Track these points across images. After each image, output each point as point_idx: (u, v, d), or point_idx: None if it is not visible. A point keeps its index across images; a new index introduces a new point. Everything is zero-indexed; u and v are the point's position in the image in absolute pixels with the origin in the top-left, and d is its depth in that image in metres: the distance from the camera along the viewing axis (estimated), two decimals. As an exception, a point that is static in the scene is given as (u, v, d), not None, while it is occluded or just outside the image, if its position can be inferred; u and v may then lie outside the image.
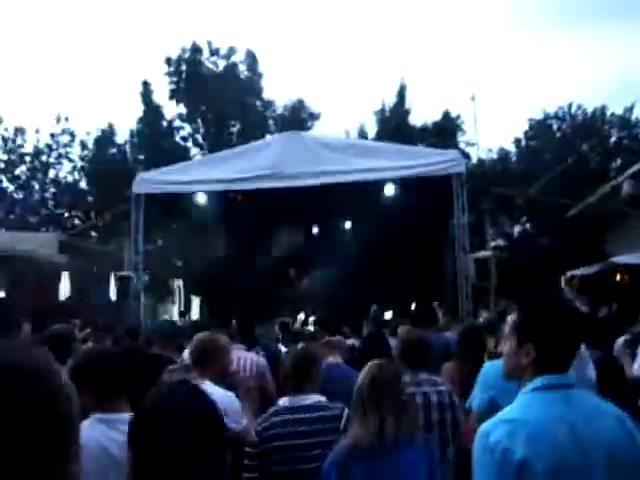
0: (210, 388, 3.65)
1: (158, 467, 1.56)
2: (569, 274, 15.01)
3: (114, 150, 26.41)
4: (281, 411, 3.27)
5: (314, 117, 26.23)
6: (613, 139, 25.45)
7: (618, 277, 13.07)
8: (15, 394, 0.82)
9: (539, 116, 26.19)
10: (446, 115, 24.24)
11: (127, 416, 2.08)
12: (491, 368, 3.41)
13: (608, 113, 25.71)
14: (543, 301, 2.11)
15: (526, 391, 1.99)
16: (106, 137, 26.43)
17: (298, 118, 25.35)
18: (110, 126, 26.36)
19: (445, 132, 23.19)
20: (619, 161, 23.98)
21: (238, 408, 3.66)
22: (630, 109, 24.76)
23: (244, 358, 5.25)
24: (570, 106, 26.03)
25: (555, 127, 26.28)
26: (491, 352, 5.04)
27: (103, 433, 2.54)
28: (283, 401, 3.34)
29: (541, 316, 2.03)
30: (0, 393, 0.82)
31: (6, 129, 26.75)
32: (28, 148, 27.06)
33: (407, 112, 24.30)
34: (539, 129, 26.16)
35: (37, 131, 26.85)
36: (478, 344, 5.14)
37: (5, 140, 26.78)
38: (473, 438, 3.06)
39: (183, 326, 9.77)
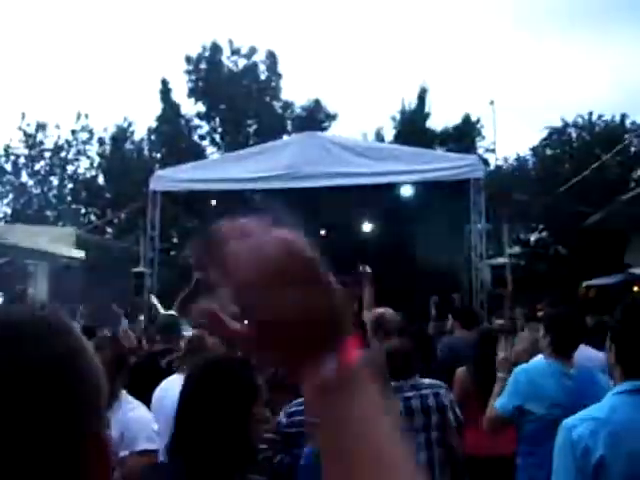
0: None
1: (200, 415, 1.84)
2: (585, 284, 14.85)
3: (131, 147, 26.56)
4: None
5: (331, 118, 26.16)
6: (633, 149, 25.15)
7: (637, 289, 12.89)
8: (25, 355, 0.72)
9: (558, 124, 25.96)
10: (466, 119, 24.06)
11: None
12: (522, 373, 3.34)
13: (628, 122, 25.41)
14: (633, 304, 2.10)
15: (614, 392, 1.98)
16: (123, 133, 26.59)
17: (315, 118, 25.29)
18: (127, 121, 26.56)
19: (464, 137, 23.02)
20: (639, 171, 23.73)
21: None
22: (651, 118, 24.42)
23: None
24: (591, 115, 25.76)
25: (574, 135, 26.02)
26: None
27: None
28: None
29: (625, 319, 2.01)
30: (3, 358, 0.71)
31: (28, 125, 27.06)
32: (48, 144, 27.37)
33: (427, 115, 24.16)
34: (558, 137, 25.92)
35: (58, 127, 27.14)
36: (493, 349, 5.06)
37: (27, 135, 27.07)
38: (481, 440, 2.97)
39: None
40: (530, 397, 3.17)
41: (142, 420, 3.05)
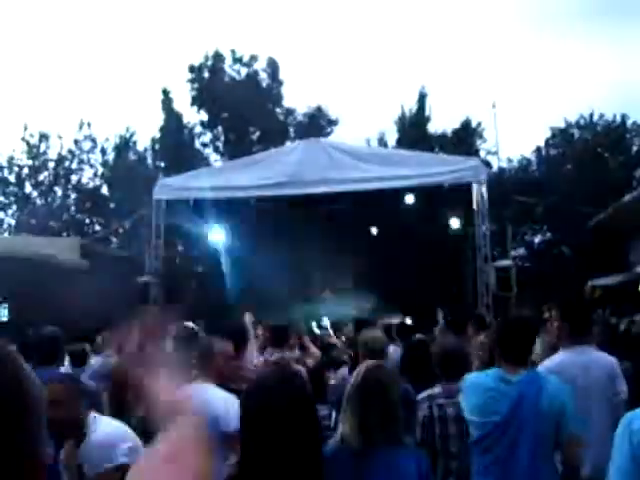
0: (210, 391, 3.70)
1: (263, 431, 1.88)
2: (590, 284, 14.84)
3: (134, 156, 26.65)
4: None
5: (333, 123, 26.25)
6: (635, 148, 25.18)
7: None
8: None
9: (561, 124, 25.98)
10: (468, 122, 24.13)
11: None
12: (465, 382, 3.36)
13: (629, 122, 25.45)
14: None
15: None
16: (126, 143, 26.69)
17: (317, 124, 25.38)
18: (128, 131, 26.67)
19: (467, 140, 23.08)
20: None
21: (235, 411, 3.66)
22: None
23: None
24: (592, 115, 25.79)
25: (577, 135, 26.03)
26: None
27: None
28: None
29: None
30: None
31: (32, 135, 27.14)
32: (51, 154, 27.46)
33: (428, 119, 24.23)
34: (561, 137, 25.95)
35: (60, 137, 27.23)
36: None
37: (30, 146, 27.15)
38: None
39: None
40: (467, 406, 3.23)
41: (115, 436, 3.12)
